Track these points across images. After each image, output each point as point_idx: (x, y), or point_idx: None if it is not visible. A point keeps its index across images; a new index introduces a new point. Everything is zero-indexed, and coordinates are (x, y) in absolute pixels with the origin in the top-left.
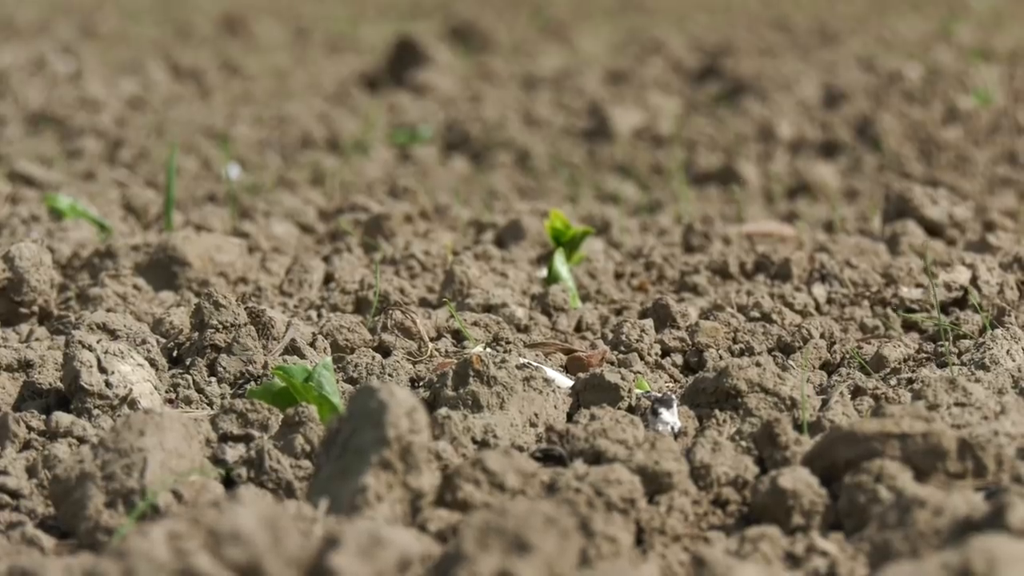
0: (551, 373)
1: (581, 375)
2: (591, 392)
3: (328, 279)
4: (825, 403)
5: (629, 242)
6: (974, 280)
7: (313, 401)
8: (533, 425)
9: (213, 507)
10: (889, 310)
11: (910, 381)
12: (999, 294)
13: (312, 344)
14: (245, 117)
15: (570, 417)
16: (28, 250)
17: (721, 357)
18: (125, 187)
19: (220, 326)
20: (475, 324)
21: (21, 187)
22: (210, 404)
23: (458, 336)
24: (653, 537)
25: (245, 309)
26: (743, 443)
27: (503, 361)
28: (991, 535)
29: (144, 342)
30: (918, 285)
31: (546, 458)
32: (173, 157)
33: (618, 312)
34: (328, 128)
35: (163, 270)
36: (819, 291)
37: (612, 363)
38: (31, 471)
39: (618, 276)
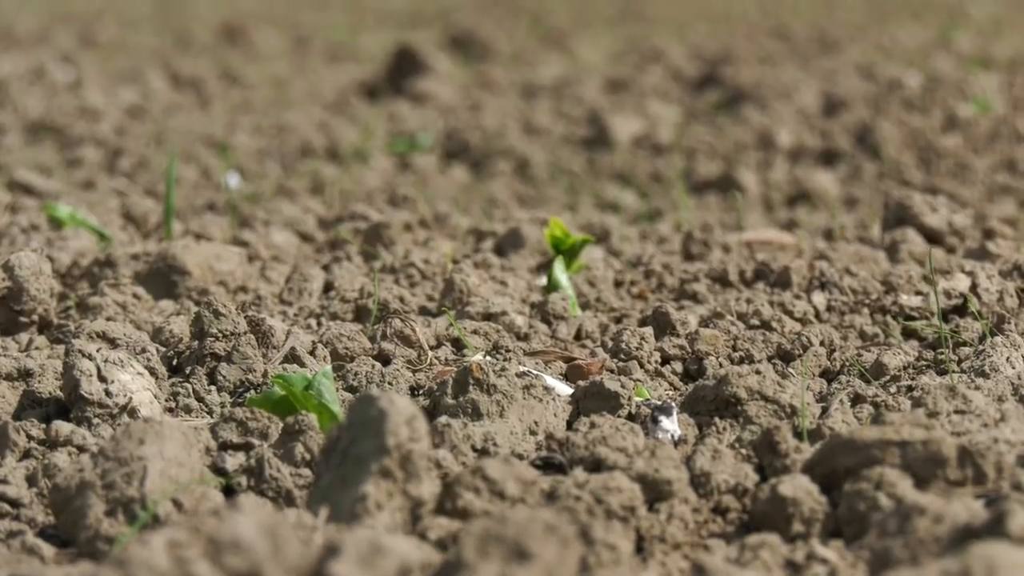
0: (551, 381)
1: (581, 383)
2: (591, 400)
3: (328, 288)
4: (825, 411)
5: (629, 250)
6: (974, 288)
7: (313, 409)
8: (533, 433)
9: (213, 515)
10: (889, 318)
11: (910, 388)
12: (999, 302)
13: (312, 353)
14: (244, 126)
15: (570, 425)
16: (28, 259)
17: (721, 365)
18: (125, 196)
19: (220, 335)
20: (475, 332)
21: (21, 196)
22: (210, 413)
23: (458, 344)
24: (653, 545)
25: (245, 318)
26: (743, 451)
27: (503, 369)
28: (991, 542)
29: (144, 351)
30: (918, 293)
31: (546, 466)
32: (172, 166)
33: (618, 320)
34: (328, 137)
35: (163, 279)
36: (819, 299)
37: (612, 371)
38: (31, 480)
39: (618, 284)
